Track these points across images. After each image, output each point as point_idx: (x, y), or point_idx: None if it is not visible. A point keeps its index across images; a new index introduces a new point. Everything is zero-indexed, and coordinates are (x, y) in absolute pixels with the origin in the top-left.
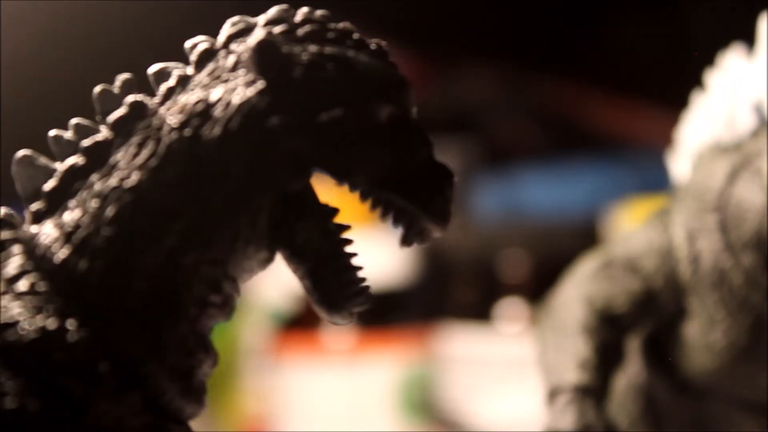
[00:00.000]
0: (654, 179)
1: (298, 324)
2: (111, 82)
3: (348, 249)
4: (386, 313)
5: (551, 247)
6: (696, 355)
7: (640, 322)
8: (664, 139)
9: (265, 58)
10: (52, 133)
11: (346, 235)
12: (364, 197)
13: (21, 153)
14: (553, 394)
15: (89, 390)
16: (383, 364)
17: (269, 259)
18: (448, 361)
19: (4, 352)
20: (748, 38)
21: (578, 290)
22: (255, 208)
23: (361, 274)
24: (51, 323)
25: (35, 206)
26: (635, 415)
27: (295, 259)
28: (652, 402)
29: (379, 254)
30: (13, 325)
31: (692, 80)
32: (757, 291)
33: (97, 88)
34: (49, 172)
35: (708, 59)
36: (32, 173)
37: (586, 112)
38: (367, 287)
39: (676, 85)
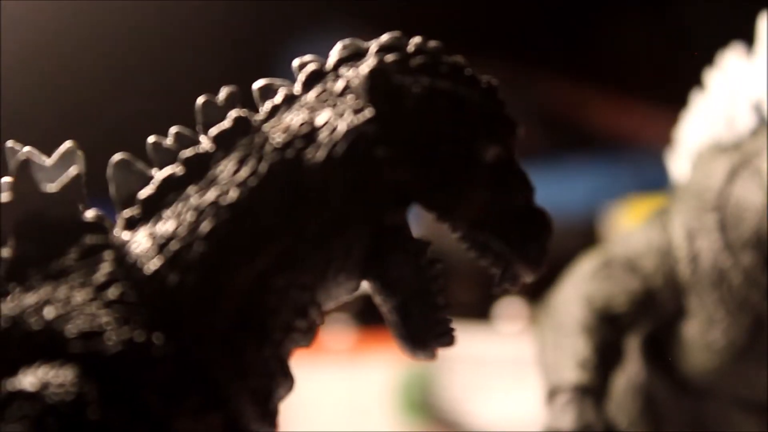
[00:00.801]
0: (653, 179)
1: None
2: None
3: (438, 287)
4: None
5: (551, 246)
6: (695, 355)
7: (640, 322)
8: (663, 139)
9: (376, 87)
10: (152, 139)
11: (437, 270)
12: (462, 239)
13: (118, 156)
14: (552, 394)
15: (171, 406)
16: (382, 363)
17: (356, 288)
18: (447, 360)
19: (89, 360)
20: (748, 38)
21: (578, 290)
22: (351, 237)
23: (447, 313)
24: (138, 335)
25: (129, 212)
26: (634, 414)
27: (385, 292)
28: (651, 401)
29: None
30: (100, 334)
31: (692, 80)
32: (756, 290)
33: (201, 99)
34: (145, 179)
35: (707, 59)
36: (128, 178)
37: (586, 112)
38: (453, 327)
39: (675, 84)
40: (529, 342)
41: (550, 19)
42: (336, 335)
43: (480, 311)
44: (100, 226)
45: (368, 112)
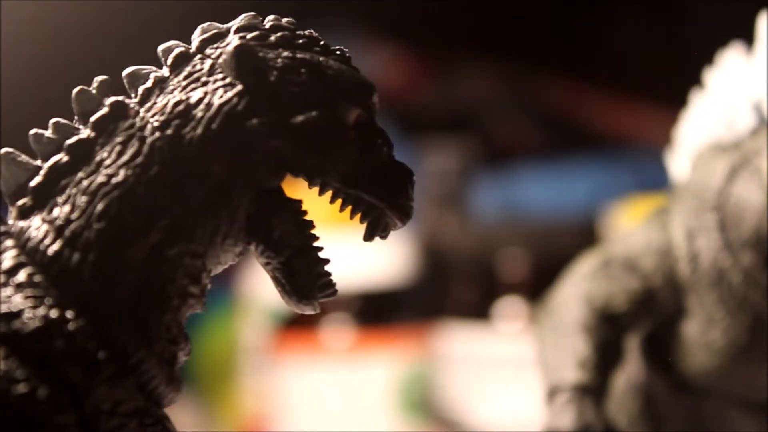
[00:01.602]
0: (653, 178)
1: (297, 323)
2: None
3: (317, 242)
4: (385, 312)
5: (550, 246)
6: (695, 354)
7: (639, 321)
8: (663, 138)
9: (243, 63)
10: (33, 131)
11: (314, 227)
12: (334, 196)
13: (3, 150)
14: (552, 393)
15: (90, 377)
16: (382, 363)
17: (242, 252)
18: (447, 360)
19: (10, 340)
20: (748, 37)
21: (577, 289)
22: (234, 205)
23: (328, 267)
24: (53, 313)
25: (21, 202)
26: (634, 414)
27: (269, 252)
28: (651, 401)
29: (379, 254)
30: (18, 314)
31: (691, 79)
32: (756, 290)
33: (76, 90)
34: (32, 169)
35: (707, 58)
36: (14, 170)
37: (586, 111)
38: (334, 280)
39: (675, 84)
40: (528, 342)
41: (550, 19)
42: (336, 335)
43: (479, 311)
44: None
45: (238, 87)
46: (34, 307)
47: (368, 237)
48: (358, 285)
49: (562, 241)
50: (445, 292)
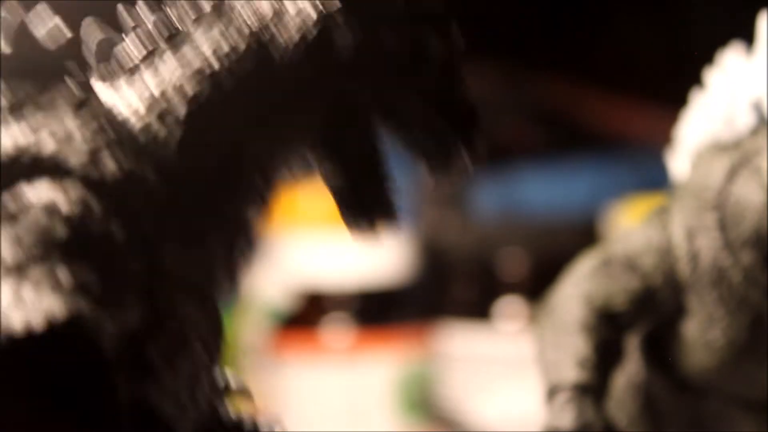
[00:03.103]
0: (653, 178)
1: (297, 322)
2: None
3: (388, 164)
4: (385, 312)
5: (550, 245)
6: (695, 354)
7: (639, 321)
8: (663, 138)
9: None
10: (122, 5)
11: (384, 153)
12: (406, 117)
13: (91, 18)
14: (551, 393)
15: (164, 235)
16: (382, 362)
17: (308, 164)
18: (447, 359)
19: (92, 183)
20: (748, 37)
21: (577, 288)
22: (314, 110)
23: (395, 190)
24: (135, 167)
25: (109, 71)
26: (634, 413)
27: (338, 167)
28: (651, 400)
29: (378, 253)
30: (104, 162)
31: (691, 79)
32: (756, 289)
33: None
34: (121, 42)
35: (707, 58)
36: (102, 41)
37: (586, 111)
38: (397, 204)
39: (675, 83)
40: (528, 341)
41: (550, 19)
42: (336, 335)
43: (479, 310)
44: (88, 80)
45: (335, 3)
46: (120, 161)
47: (431, 170)
48: (358, 284)
49: (562, 240)
50: (445, 292)
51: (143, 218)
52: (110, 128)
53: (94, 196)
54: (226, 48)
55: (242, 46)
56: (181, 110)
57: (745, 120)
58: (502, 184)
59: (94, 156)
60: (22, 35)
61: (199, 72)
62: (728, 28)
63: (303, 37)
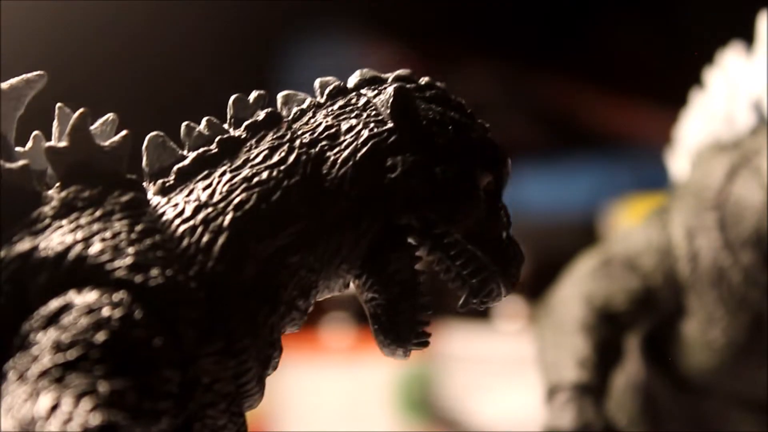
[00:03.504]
0: (653, 177)
1: None
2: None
3: (424, 291)
4: None
5: (550, 245)
6: (695, 353)
7: (639, 320)
8: (663, 137)
9: (400, 103)
10: (186, 123)
11: (424, 277)
12: (450, 248)
13: (154, 133)
14: (552, 392)
15: (200, 344)
16: (382, 362)
17: (348, 285)
18: (447, 359)
19: (136, 288)
20: (748, 37)
21: (577, 288)
22: (361, 230)
23: (430, 316)
24: (178, 275)
25: (164, 180)
26: (634, 413)
27: (378, 286)
28: (651, 400)
29: None
30: (147, 268)
31: (691, 78)
32: (755, 289)
33: (233, 96)
34: (178, 156)
35: (707, 57)
36: (160, 153)
37: (585, 111)
38: (430, 332)
39: (675, 83)
40: (528, 341)
41: (550, 18)
42: (336, 335)
43: (480, 310)
44: (141, 186)
45: (389, 125)
46: (163, 267)
47: (468, 301)
48: None
49: (562, 240)
50: (445, 291)
51: (183, 327)
52: (157, 233)
53: (136, 302)
54: (276, 158)
55: (292, 158)
56: (227, 216)
57: (745, 120)
58: None
59: (138, 261)
60: (81, 136)
61: (247, 179)
62: (728, 28)
63: (354, 156)
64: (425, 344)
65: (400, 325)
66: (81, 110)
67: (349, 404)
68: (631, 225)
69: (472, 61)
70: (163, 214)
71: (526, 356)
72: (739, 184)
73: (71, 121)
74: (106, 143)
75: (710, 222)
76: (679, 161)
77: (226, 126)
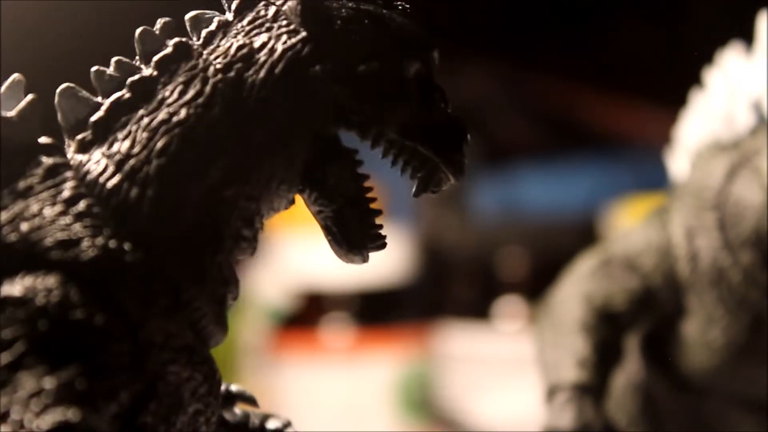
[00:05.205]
0: (652, 177)
1: (298, 322)
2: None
3: (371, 194)
4: (385, 312)
5: (550, 245)
6: (695, 353)
7: (639, 320)
8: (662, 138)
9: (308, 10)
10: (95, 68)
11: (368, 179)
12: (388, 148)
13: (64, 85)
14: (551, 392)
15: (145, 307)
16: (382, 362)
17: (293, 201)
18: (446, 359)
19: (69, 267)
20: (747, 37)
21: (577, 288)
22: (292, 149)
23: (380, 219)
24: (111, 243)
25: (81, 135)
26: (634, 413)
27: (323, 200)
28: (650, 400)
29: (378, 253)
30: (77, 242)
31: (691, 78)
32: (755, 289)
33: (139, 30)
34: (92, 105)
35: (707, 57)
36: (74, 105)
37: (585, 111)
38: (384, 233)
39: (674, 83)
40: (528, 341)
41: (550, 18)
42: (336, 335)
43: (479, 310)
44: (58, 148)
45: (303, 34)
46: (93, 237)
47: (420, 191)
48: (358, 284)
49: (562, 240)
50: (445, 292)
51: (123, 295)
52: (82, 198)
53: (70, 282)
54: (191, 93)
55: (208, 90)
56: (151, 165)
57: (745, 120)
58: (502, 184)
59: (66, 236)
60: None
61: (165, 122)
62: (728, 28)
63: (271, 74)
64: (382, 246)
65: (351, 233)
66: None
67: (349, 404)
68: (630, 225)
69: (472, 61)
70: (86, 173)
71: (526, 356)
72: (738, 184)
73: None
74: (14, 113)
75: (710, 222)
76: (679, 161)
77: (137, 63)
